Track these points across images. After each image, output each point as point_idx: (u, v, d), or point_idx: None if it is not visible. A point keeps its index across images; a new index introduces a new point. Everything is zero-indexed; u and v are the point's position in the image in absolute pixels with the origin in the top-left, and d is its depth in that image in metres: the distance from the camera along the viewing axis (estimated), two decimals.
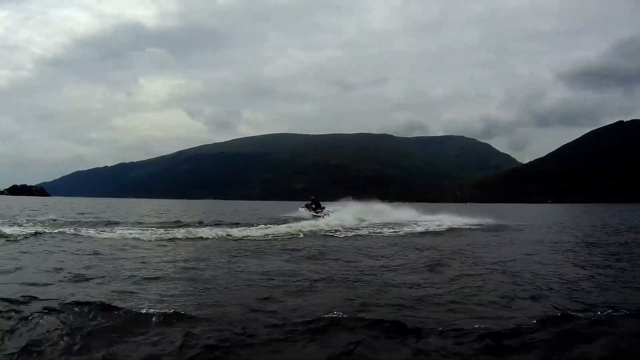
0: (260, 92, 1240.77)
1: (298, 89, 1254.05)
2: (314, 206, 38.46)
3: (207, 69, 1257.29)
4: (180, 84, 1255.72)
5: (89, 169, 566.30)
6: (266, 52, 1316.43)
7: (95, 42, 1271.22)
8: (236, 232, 17.90)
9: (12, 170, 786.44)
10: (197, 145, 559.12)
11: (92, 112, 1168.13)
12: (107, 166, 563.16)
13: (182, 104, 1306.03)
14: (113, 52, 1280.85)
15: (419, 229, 22.07)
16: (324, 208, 37.80)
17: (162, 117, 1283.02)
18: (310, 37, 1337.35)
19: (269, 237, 17.03)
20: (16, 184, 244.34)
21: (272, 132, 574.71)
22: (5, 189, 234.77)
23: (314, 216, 34.36)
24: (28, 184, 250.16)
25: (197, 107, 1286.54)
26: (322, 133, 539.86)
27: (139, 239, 15.25)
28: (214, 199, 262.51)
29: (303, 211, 38.06)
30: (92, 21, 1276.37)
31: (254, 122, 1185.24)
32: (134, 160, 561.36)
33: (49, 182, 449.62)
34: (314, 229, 20.93)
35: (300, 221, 25.06)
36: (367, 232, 20.43)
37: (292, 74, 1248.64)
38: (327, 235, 18.61)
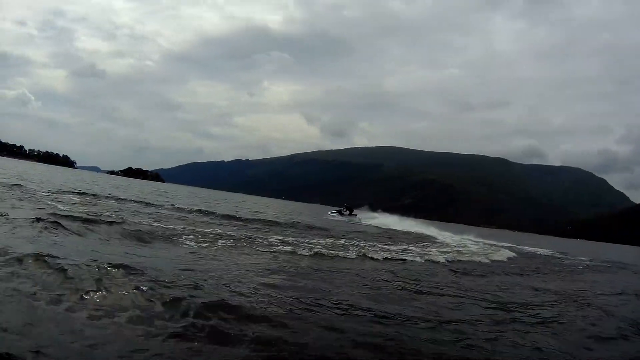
0: (377, 104, 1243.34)
1: (416, 105, 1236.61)
2: (347, 212, 47.03)
3: (327, 77, 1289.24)
4: (301, 90, 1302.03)
5: (207, 162, 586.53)
6: (387, 65, 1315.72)
7: (223, 42, 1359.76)
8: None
9: (131, 154, 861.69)
10: (312, 150, 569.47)
11: (215, 108, 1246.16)
12: (224, 161, 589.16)
13: (300, 108, 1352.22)
14: (239, 53, 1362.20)
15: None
16: (356, 215, 46.61)
17: (280, 119, 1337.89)
18: (432, 54, 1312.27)
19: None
20: (131, 166, 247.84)
21: (385, 145, 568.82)
22: (120, 171, 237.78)
23: (349, 219, 44.04)
24: (144, 168, 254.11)
25: (315, 113, 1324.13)
26: (435, 150, 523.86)
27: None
28: (322, 204, 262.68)
29: (336, 215, 46.09)
30: (221, 22, 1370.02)
31: (369, 133, 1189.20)
32: (250, 158, 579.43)
33: (166, 169, 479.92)
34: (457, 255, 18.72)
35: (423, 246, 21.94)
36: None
37: (412, 89, 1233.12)
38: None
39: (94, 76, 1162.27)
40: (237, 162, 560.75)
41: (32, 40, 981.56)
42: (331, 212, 48.60)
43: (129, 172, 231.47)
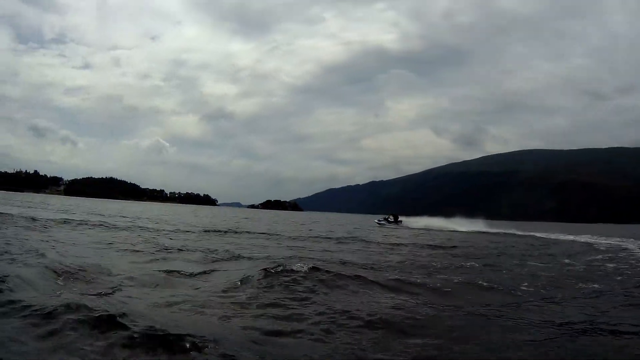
0: (505, 107, 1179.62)
1: (545, 101, 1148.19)
2: (393, 219, 48.66)
3: (450, 87, 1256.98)
4: (425, 103, 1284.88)
5: (342, 187, 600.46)
6: (509, 65, 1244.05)
7: (342, 68, 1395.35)
8: None
9: (269, 187, 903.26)
10: (444, 163, 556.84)
11: (343, 133, 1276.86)
12: (358, 184, 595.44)
13: (427, 122, 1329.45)
14: (359, 76, 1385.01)
15: None
16: (401, 221, 48.51)
17: (409, 136, 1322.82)
18: (553, 46, 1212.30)
19: None
20: (270, 199, 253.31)
21: (519, 149, 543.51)
22: (260, 204, 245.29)
23: (395, 226, 45.73)
24: (282, 200, 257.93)
25: (443, 125, 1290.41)
26: (573, 148, 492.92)
27: None
28: (464, 217, 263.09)
29: (384, 222, 47.50)
30: (337, 48, 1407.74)
31: (501, 138, 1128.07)
32: (384, 179, 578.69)
33: (303, 198, 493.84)
34: None
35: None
36: None
37: (538, 86, 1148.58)
38: None
39: (224, 118, 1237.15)
40: (371, 184, 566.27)
41: (159, 91, 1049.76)
42: (378, 220, 49.63)
43: (268, 204, 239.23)
